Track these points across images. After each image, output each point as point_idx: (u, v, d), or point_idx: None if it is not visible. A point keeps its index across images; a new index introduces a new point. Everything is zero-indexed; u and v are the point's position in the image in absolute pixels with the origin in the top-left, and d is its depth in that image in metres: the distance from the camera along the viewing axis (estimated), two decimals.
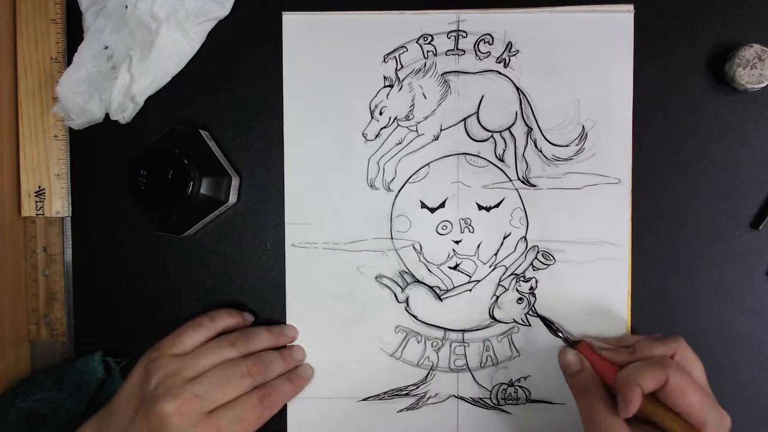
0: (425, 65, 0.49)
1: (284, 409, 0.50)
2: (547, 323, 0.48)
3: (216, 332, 0.47)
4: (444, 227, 0.50)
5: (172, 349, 0.45)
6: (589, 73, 0.49)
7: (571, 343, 0.47)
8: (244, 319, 0.50)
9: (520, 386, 0.50)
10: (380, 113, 0.50)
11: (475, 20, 0.49)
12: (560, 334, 0.48)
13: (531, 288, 0.50)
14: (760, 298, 0.49)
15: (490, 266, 0.50)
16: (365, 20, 0.49)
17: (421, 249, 0.50)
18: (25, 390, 0.48)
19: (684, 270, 0.49)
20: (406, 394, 0.50)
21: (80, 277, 0.51)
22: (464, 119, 0.50)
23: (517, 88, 0.49)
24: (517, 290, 0.50)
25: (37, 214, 0.50)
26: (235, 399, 0.44)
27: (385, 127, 0.50)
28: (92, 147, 0.51)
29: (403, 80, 0.49)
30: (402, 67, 0.50)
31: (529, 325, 0.50)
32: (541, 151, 0.49)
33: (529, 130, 0.49)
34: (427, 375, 0.50)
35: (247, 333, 0.47)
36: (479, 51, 0.49)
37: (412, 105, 0.49)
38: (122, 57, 0.49)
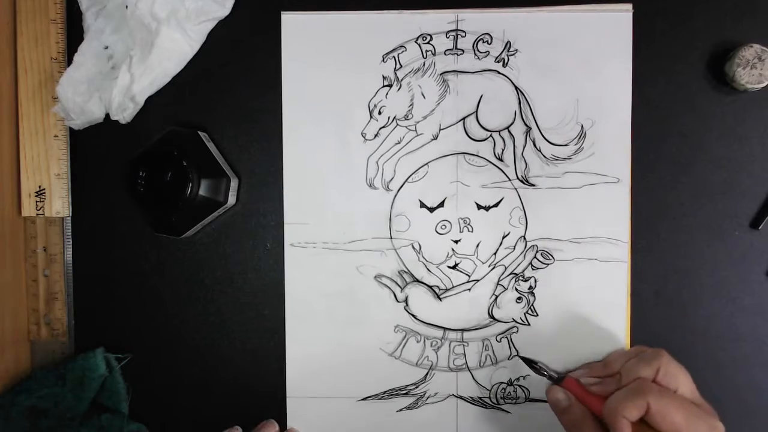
0: (424, 65, 0.49)
1: (284, 408, 0.50)
2: (530, 364, 0.48)
3: None
4: (443, 227, 0.50)
5: None
6: (588, 72, 0.49)
7: (557, 379, 0.47)
8: None
9: (519, 385, 0.50)
10: (379, 113, 0.50)
11: (474, 20, 0.49)
12: (545, 373, 0.48)
13: (530, 287, 0.50)
14: (760, 298, 0.49)
15: (489, 265, 0.50)
16: (364, 20, 0.49)
17: (420, 248, 0.50)
18: (27, 388, 0.48)
19: (684, 270, 0.49)
20: (406, 394, 0.50)
21: (80, 277, 0.52)
22: (463, 119, 0.50)
23: (516, 88, 0.49)
24: (516, 289, 0.50)
25: (37, 214, 0.51)
26: None
27: (384, 127, 0.50)
28: (92, 147, 0.51)
29: (402, 80, 0.49)
30: (401, 66, 0.49)
31: (528, 324, 0.50)
32: (540, 151, 0.49)
33: (528, 129, 0.49)
34: (427, 374, 0.50)
35: None
36: (478, 50, 0.49)
37: (411, 104, 0.49)
38: (122, 57, 0.49)
